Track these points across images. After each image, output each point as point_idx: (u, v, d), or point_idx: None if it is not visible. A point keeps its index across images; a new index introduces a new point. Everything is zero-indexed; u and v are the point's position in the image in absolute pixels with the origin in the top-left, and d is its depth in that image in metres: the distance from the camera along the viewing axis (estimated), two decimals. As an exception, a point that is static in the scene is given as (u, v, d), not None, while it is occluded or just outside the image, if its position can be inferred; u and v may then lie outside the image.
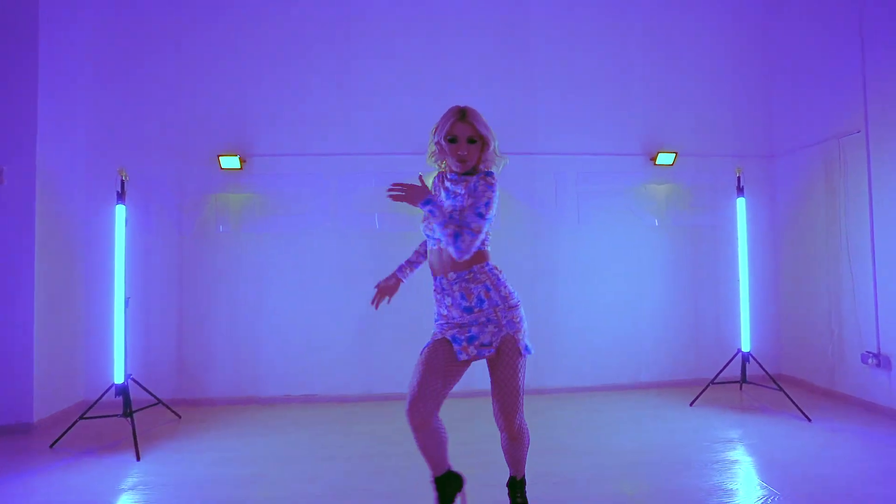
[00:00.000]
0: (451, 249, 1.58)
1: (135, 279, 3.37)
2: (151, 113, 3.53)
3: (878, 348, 3.03)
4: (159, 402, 3.09)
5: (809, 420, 2.91)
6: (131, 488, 2.22)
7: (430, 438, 1.66)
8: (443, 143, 1.69)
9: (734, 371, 3.42)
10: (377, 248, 3.53)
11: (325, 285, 3.56)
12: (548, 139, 3.73)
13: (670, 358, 3.75)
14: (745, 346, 3.27)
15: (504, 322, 1.66)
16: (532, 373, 3.63)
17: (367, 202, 3.58)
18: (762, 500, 2.02)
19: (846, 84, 3.24)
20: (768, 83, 3.91)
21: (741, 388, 3.54)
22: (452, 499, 1.77)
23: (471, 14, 3.71)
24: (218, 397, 3.48)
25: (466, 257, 1.58)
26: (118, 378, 2.80)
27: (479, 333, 1.65)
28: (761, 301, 3.76)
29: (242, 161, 3.48)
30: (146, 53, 3.54)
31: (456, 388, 1.71)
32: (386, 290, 1.91)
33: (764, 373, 3.27)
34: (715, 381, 3.32)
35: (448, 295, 1.68)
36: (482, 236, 1.61)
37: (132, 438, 2.63)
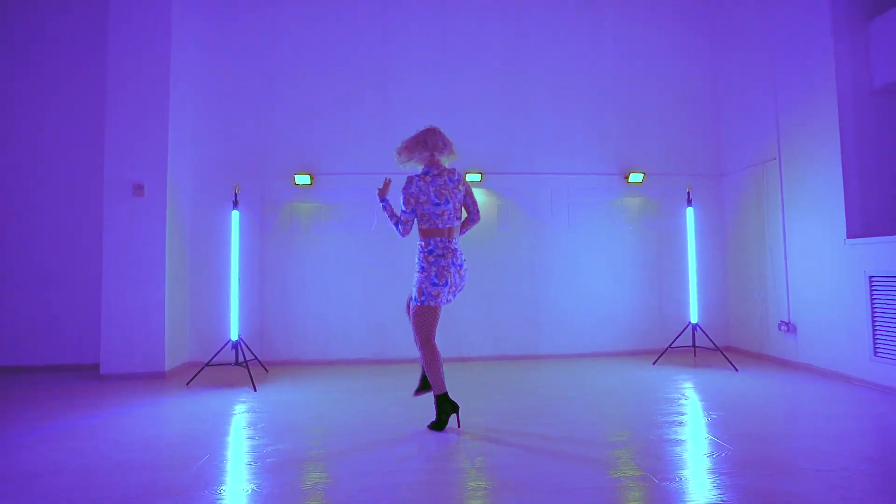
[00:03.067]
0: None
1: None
2: (243, 143, 4.62)
3: (789, 318, 4.10)
4: (255, 358, 4.13)
5: (737, 370, 3.98)
6: (249, 409, 3.25)
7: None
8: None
9: (689, 341, 4.48)
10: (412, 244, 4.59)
11: (374, 273, 4.62)
12: (545, 162, 4.83)
13: (641, 332, 4.81)
14: (694, 319, 4.33)
15: None
16: (534, 343, 4.69)
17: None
18: (706, 415, 3.08)
19: (767, 120, 4.35)
20: (716, 119, 5.03)
21: (695, 354, 4.59)
22: (451, 413, 2.63)
23: (483, 70, 4.83)
24: (291, 359, 4.52)
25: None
26: (234, 336, 3.85)
27: None
28: (711, 288, 4.84)
29: (312, 178, 4.57)
30: (237, 98, 4.64)
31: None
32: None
33: (710, 341, 4.32)
34: (672, 346, 4.38)
35: None
36: (400, 226, 2.68)
37: (247, 378, 3.68)
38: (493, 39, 4.87)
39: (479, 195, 4.77)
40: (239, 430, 2.73)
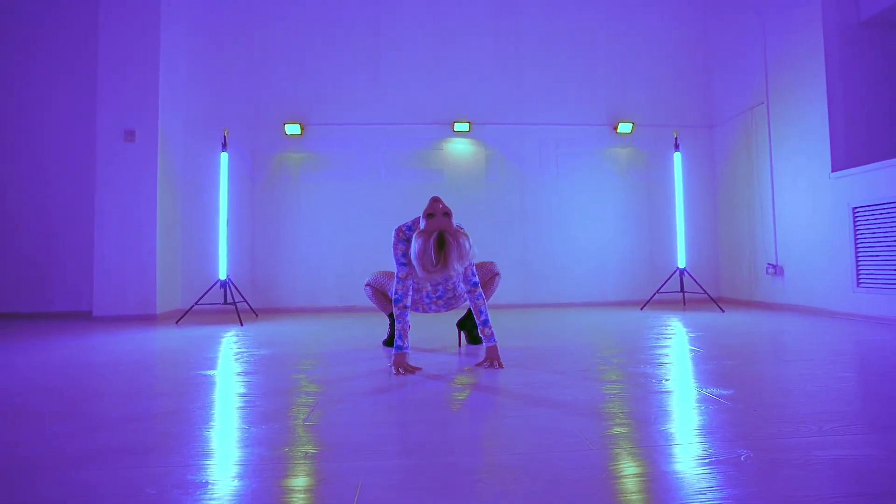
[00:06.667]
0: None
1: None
2: (233, 92, 4.67)
3: (777, 260, 4.08)
4: (245, 301, 4.19)
5: (723, 311, 3.97)
6: (238, 335, 3.31)
7: None
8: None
9: (677, 287, 4.47)
10: (405, 193, 4.63)
11: (364, 223, 4.66)
12: (533, 113, 4.82)
13: (630, 282, 4.81)
14: (681, 264, 4.33)
15: None
16: (526, 292, 4.71)
17: (393, 159, 4.70)
18: (691, 347, 3.09)
19: (756, 66, 4.32)
20: (706, 68, 4.99)
21: (684, 302, 4.58)
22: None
23: (474, 18, 4.83)
24: (281, 307, 4.58)
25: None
26: (222, 275, 3.91)
27: None
28: (702, 240, 4.82)
29: (302, 128, 4.61)
30: (230, 47, 4.69)
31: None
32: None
33: (699, 288, 4.31)
34: (661, 292, 4.38)
35: None
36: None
37: (235, 316, 3.73)
38: (482, -8, 4.86)
39: (466, 145, 4.79)
40: (227, 346, 2.79)
